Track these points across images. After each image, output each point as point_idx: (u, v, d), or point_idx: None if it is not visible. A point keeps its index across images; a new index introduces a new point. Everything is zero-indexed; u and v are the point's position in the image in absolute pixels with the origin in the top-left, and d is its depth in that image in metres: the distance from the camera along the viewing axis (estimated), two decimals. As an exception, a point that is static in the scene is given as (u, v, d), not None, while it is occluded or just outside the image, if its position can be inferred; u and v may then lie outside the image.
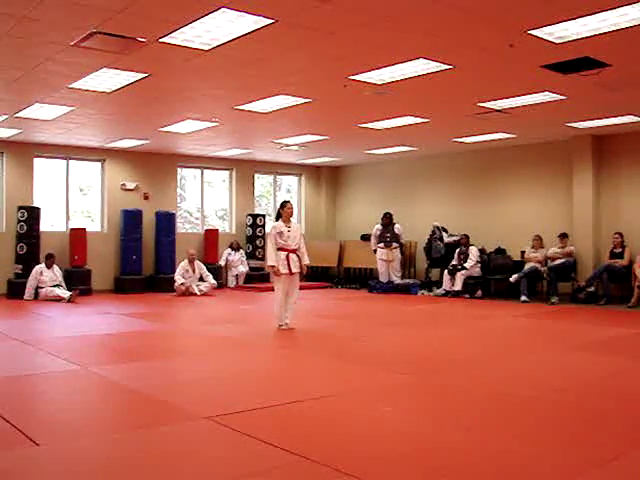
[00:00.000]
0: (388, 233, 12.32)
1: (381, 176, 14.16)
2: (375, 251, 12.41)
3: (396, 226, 12.41)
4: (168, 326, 7.64)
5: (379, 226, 12.46)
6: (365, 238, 13.41)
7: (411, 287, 11.95)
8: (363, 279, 13.52)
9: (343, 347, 6.06)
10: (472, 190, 12.39)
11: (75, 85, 7.12)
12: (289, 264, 7.05)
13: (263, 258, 13.50)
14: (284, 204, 7.19)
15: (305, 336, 6.85)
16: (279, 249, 7.07)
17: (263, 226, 13.74)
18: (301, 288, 7.85)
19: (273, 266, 7.01)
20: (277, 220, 7.22)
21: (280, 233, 7.07)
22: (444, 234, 12.05)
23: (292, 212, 7.20)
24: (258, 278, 13.40)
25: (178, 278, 11.31)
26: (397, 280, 12.21)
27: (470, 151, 12.21)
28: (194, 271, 11.53)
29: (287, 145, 11.67)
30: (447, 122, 9.41)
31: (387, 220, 12.39)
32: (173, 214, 12.59)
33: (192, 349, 6.11)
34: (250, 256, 13.61)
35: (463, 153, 12.39)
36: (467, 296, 10.96)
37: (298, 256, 7.17)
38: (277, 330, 7.08)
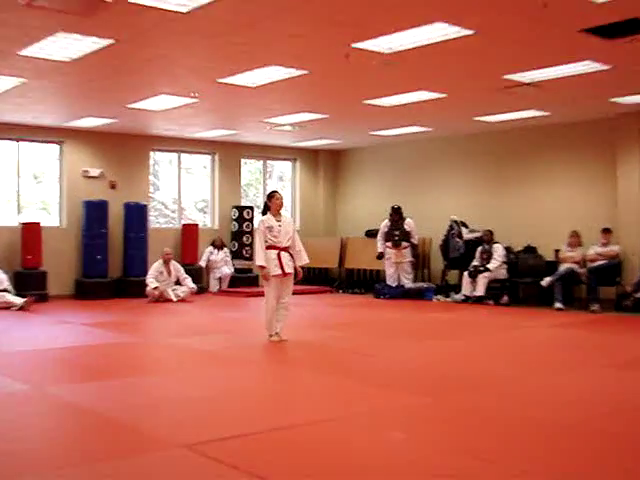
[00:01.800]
0: (397, 231, 12.33)
1: (390, 162, 14.15)
2: (381, 256, 12.39)
3: (407, 221, 12.40)
4: (139, 338, 7.64)
5: (387, 222, 12.47)
6: (371, 234, 13.39)
7: (425, 292, 11.96)
8: (368, 283, 13.51)
9: (344, 362, 6.05)
10: (497, 178, 12.38)
11: (27, 52, 7.07)
12: (281, 264, 7.06)
13: (251, 258, 13.44)
14: (272, 194, 7.23)
15: (299, 349, 6.84)
16: (268, 247, 7.09)
17: (251, 220, 13.74)
18: (295, 293, 7.84)
19: (263, 267, 7.01)
20: (265, 213, 7.24)
21: (269, 228, 7.09)
22: (463, 230, 12.05)
23: (282, 203, 7.23)
24: (245, 281, 13.40)
25: (151, 281, 11.31)
26: (408, 284, 12.22)
27: (495, 132, 12.19)
28: (170, 273, 11.53)
29: (279, 125, 11.63)
30: (468, 98, 9.40)
31: (396, 216, 12.40)
32: (145, 206, 12.58)
33: (167, 365, 6.10)
34: (236, 255, 13.61)
35: (486, 134, 12.38)
36: (491, 302, 10.96)
37: (291, 255, 7.18)
38: (267, 342, 7.09)
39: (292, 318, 7.59)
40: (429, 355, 6.50)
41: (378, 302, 11.72)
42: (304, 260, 7.25)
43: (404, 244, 12.28)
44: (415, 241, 12.43)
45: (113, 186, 12.57)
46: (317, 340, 7.34)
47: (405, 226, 12.34)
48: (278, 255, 7.07)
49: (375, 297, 12.29)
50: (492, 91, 8.86)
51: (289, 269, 7.14)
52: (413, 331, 8.23)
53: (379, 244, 12.46)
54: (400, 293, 12.10)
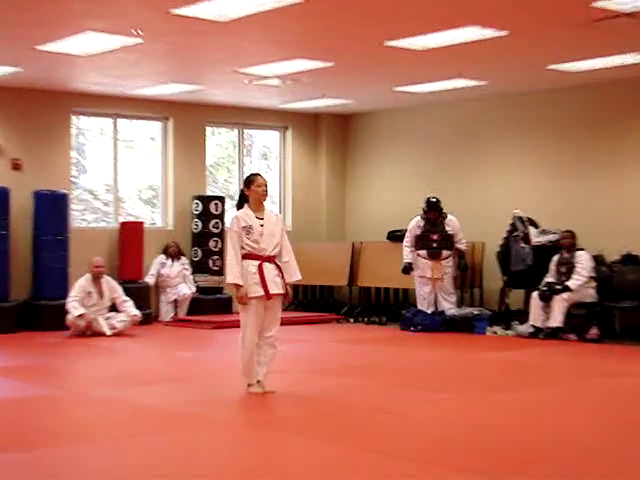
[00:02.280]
0: (436, 234, 12.31)
1: (423, 132, 14.12)
2: (408, 269, 12.35)
3: (449, 220, 12.37)
4: (56, 390, 7.59)
5: (419, 220, 12.43)
6: (396, 237, 13.37)
7: (475, 321, 11.94)
8: (392, 308, 13.48)
9: (354, 424, 6.03)
10: (581, 156, 12.35)
11: None
12: (264, 281, 7.05)
13: (221, 272, 13.44)
14: (251, 179, 7.23)
15: (290, 405, 6.81)
16: (246, 256, 7.08)
17: (221, 217, 13.74)
18: (286, 323, 7.81)
19: (238, 286, 7.00)
20: (240, 207, 7.25)
21: (247, 229, 7.08)
22: (532, 231, 12.01)
23: (266, 192, 7.23)
24: (213, 306, 13.39)
25: (74, 307, 11.26)
26: (450, 309, 12.21)
27: (578, 87, 12.16)
28: (101, 295, 11.52)
29: (262, 78, 11.63)
30: (539, 36, 9.40)
31: (433, 213, 12.37)
32: (65, 196, 12.55)
33: (97, 430, 6.07)
34: (199, 268, 13.59)
35: (566, 91, 12.36)
36: (573, 337, 10.93)
37: (279, 268, 7.18)
38: (245, 395, 7.07)
39: (281, 360, 7.55)
40: (478, 414, 6.47)
41: (406, 336, 11.70)
42: (295, 276, 7.25)
43: (445, 253, 12.27)
44: (463, 246, 12.40)
45: (16, 166, 12.56)
46: (316, 392, 7.32)
47: (447, 227, 12.33)
48: (260, 268, 7.05)
49: (402, 329, 12.29)
50: (574, 26, 8.84)
51: (276, 288, 7.11)
52: (457, 380, 8.18)
53: (406, 251, 12.42)
54: (438, 323, 12.09)
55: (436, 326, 12.03)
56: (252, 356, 7.09)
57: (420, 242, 12.35)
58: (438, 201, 12.46)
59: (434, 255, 12.26)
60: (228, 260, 7.14)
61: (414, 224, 12.48)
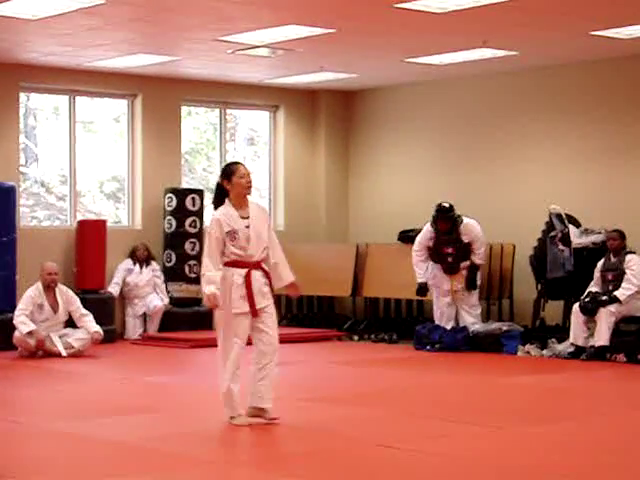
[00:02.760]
0: (450, 247, 12.27)
1: (440, 111, 14.14)
2: (423, 289, 12.26)
3: (464, 226, 12.24)
4: (3, 422, 7.55)
5: (429, 229, 12.35)
6: (408, 238, 13.39)
7: (504, 339, 11.93)
8: (404, 323, 13.49)
9: (361, 463, 6.03)
10: (633, 139, 12.35)
11: None
12: (250, 293, 7.07)
13: (198, 280, 13.41)
14: (231, 169, 7.25)
15: (287, 440, 6.84)
16: (229, 264, 7.11)
17: (199, 214, 13.77)
18: (280, 341, 7.79)
19: (214, 295, 7.02)
20: (220, 204, 7.26)
21: (231, 234, 7.10)
22: (572, 231, 12.02)
23: (249, 184, 7.24)
24: (188, 320, 13.41)
25: (22, 322, 11.25)
26: (474, 325, 12.23)
27: (628, 58, 12.17)
28: (55, 308, 11.50)
29: (248, 47, 11.64)
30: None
31: (444, 224, 12.22)
32: (11, 189, 12.53)
33: (52, 469, 6.04)
34: (173, 276, 13.62)
35: (614, 62, 12.36)
36: (622, 358, 10.93)
37: (267, 275, 7.20)
38: (227, 427, 7.08)
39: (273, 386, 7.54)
40: (513, 453, 6.46)
41: (421, 357, 11.71)
42: (287, 279, 7.31)
43: (464, 264, 12.27)
44: (478, 259, 12.29)
45: (-45, 153, 12.58)
46: (316, 424, 7.34)
47: (462, 236, 12.28)
48: (247, 279, 7.09)
49: (416, 348, 12.32)
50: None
51: (264, 301, 7.16)
52: (482, 410, 8.17)
53: (419, 268, 12.32)
54: (460, 341, 12.12)
55: (457, 345, 12.05)
56: (233, 381, 7.08)
57: (434, 255, 12.36)
58: (451, 208, 12.28)
59: (450, 270, 12.28)
60: (204, 268, 7.10)
61: (424, 234, 12.37)
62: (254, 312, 7.08)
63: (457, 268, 12.25)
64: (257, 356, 7.15)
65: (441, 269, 12.30)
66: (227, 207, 7.17)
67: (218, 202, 7.27)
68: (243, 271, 7.08)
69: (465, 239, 12.28)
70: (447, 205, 12.29)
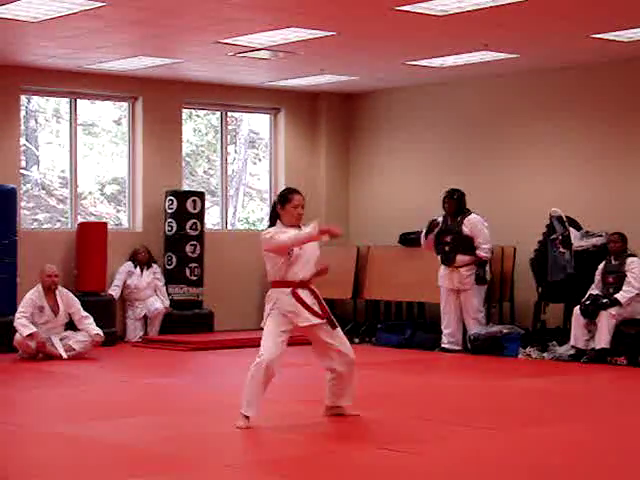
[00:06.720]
0: (449, 235, 12.31)
1: (441, 114, 14.13)
2: (432, 223, 12.28)
3: (468, 219, 12.26)
4: (3, 425, 7.55)
5: (439, 219, 12.40)
6: (409, 241, 13.40)
7: (504, 342, 11.95)
8: (407, 325, 13.47)
9: (364, 465, 6.03)
10: (635, 142, 12.32)
11: None
12: (304, 306, 7.44)
13: (200, 282, 13.44)
14: (287, 197, 7.34)
15: (289, 442, 6.82)
16: (278, 282, 7.40)
17: (200, 216, 13.76)
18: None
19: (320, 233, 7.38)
20: (273, 225, 7.41)
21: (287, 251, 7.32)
22: (573, 233, 12.01)
23: (300, 217, 7.40)
24: (189, 323, 13.38)
25: (23, 324, 11.25)
26: (476, 327, 12.23)
27: (630, 60, 12.14)
28: (56, 310, 11.50)
29: (250, 50, 11.64)
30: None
31: (452, 205, 12.31)
32: (12, 191, 12.55)
33: (49, 471, 6.03)
34: (174, 278, 13.61)
35: (614, 65, 12.35)
36: (623, 361, 10.94)
37: (315, 294, 7.63)
38: (227, 430, 7.08)
39: (274, 388, 7.52)
40: (514, 454, 6.45)
41: (422, 359, 11.73)
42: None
43: (461, 259, 12.26)
44: (483, 253, 12.24)
45: (-47, 156, 12.59)
46: (318, 426, 7.34)
47: (464, 227, 12.27)
48: (296, 296, 7.44)
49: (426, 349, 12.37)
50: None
51: (316, 316, 7.54)
52: (484, 412, 8.19)
53: (424, 242, 12.46)
54: (461, 344, 12.13)
55: (459, 347, 12.13)
56: (264, 379, 7.17)
57: (436, 244, 12.37)
58: (460, 194, 12.35)
59: (446, 260, 12.28)
60: (285, 236, 7.22)
61: (431, 223, 12.39)
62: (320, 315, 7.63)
63: (452, 260, 12.20)
64: (333, 360, 7.64)
65: (440, 260, 12.32)
66: (280, 227, 7.34)
67: (271, 222, 7.46)
68: (288, 289, 7.49)
69: (465, 231, 12.22)
70: (456, 191, 12.39)
